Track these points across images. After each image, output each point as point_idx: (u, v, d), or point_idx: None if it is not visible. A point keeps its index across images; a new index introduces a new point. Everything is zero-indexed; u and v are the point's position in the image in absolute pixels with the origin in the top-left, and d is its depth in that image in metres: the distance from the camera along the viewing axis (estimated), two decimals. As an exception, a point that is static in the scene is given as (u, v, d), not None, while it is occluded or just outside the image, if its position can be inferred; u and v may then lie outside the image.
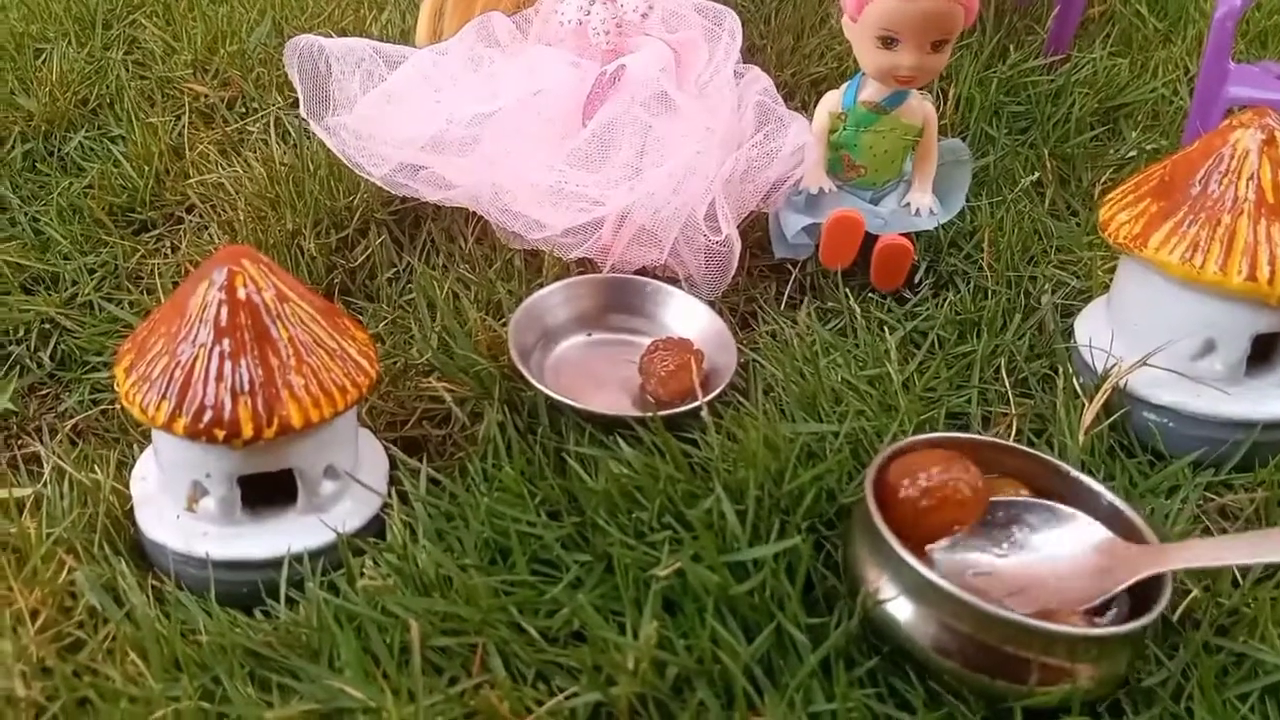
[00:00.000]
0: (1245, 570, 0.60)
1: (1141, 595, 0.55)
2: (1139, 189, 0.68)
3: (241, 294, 0.58)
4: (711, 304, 0.77)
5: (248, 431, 0.57)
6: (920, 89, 0.82)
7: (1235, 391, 0.66)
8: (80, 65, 1.06)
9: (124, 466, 0.67)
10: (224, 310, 0.58)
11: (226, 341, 0.57)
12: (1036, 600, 0.55)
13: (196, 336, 0.58)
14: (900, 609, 0.53)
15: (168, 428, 0.57)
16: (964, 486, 0.56)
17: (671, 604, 0.56)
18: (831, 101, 0.82)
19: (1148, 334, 0.67)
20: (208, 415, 0.57)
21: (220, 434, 0.57)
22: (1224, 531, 0.63)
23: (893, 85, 0.79)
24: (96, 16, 1.13)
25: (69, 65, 1.06)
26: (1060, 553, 0.58)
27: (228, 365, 0.57)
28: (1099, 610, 0.55)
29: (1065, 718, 0.51)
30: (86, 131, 1.00)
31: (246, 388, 0.57)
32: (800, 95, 0.99)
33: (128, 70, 1.07)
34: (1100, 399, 0.66)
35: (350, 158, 0.81)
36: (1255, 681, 0.55)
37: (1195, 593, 0.58)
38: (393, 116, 0.83)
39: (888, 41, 0.76)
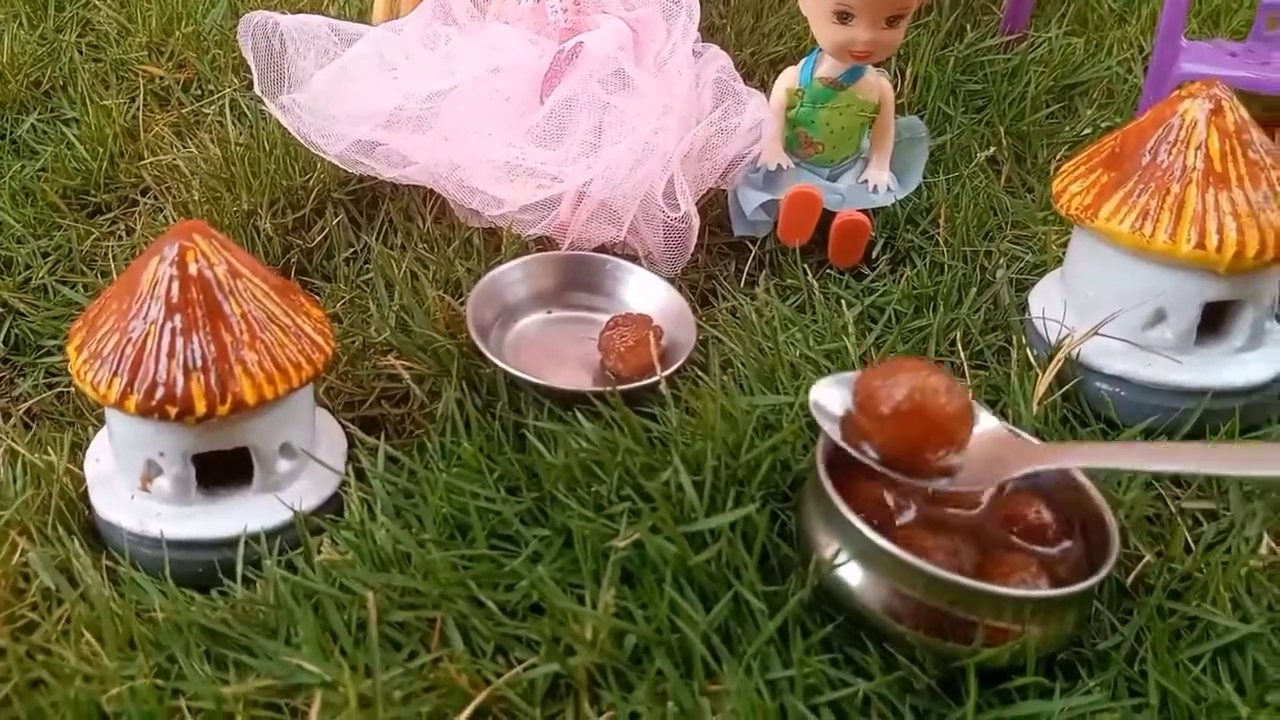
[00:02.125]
0: (1198, 535, 0.61)
1: (1096, 551, 0.56)
2: (1091, 160, 0.69)
3: (193, 269, 0.57)
4: (671, 281, 0.77)
5: (201, 408, 0.56)
6: (877, 65, 0.82)
7: (1186, 360, 0.67)
8: (32, 47, 1.05)
9: (78, 448, 0.67)
10: (175, 286, 0.57)
11: (178, 317, 0.57)
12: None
13: (148, 313, 0.57)
14: (851, 574, 0.53)
15: (120, 405, 0.57)
16: (954, 396, 0.53)
17: (630, 575, 0.56)
18: (789, 78, 0.82)
19: (1099, 304, 0.67)
20: (160, 392, 0.56)
21: (173, 411, 0.56)
22: (1178, 499, 0.64)
23: (849, 60, 0.79)
24: (49, -2, 1.12)
25: (20, 47, 1.04)
26: None
27: (179, 341, 0.57)
28: (1053, 542, 0.56)
29: (1019, 678, 0.52)
30: (39, 114, 0.99)
31: (199, 364, 0.57)
32: (760, 74, 0.99)
33: (81, 52, 1.06)
34: (1053, 369, 0.67)
35: (305, 136, 0.81)
36: (1207, 644, 0.55)
37: (1148, 558, 0.59)
38: (348, 93, 0.82)
39: (843, 16, 0.76)
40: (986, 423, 0.57)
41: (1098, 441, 0.61)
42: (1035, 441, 0.58)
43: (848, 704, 0.52)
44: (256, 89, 0.84)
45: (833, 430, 0.55)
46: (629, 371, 0.70)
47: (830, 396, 0.57)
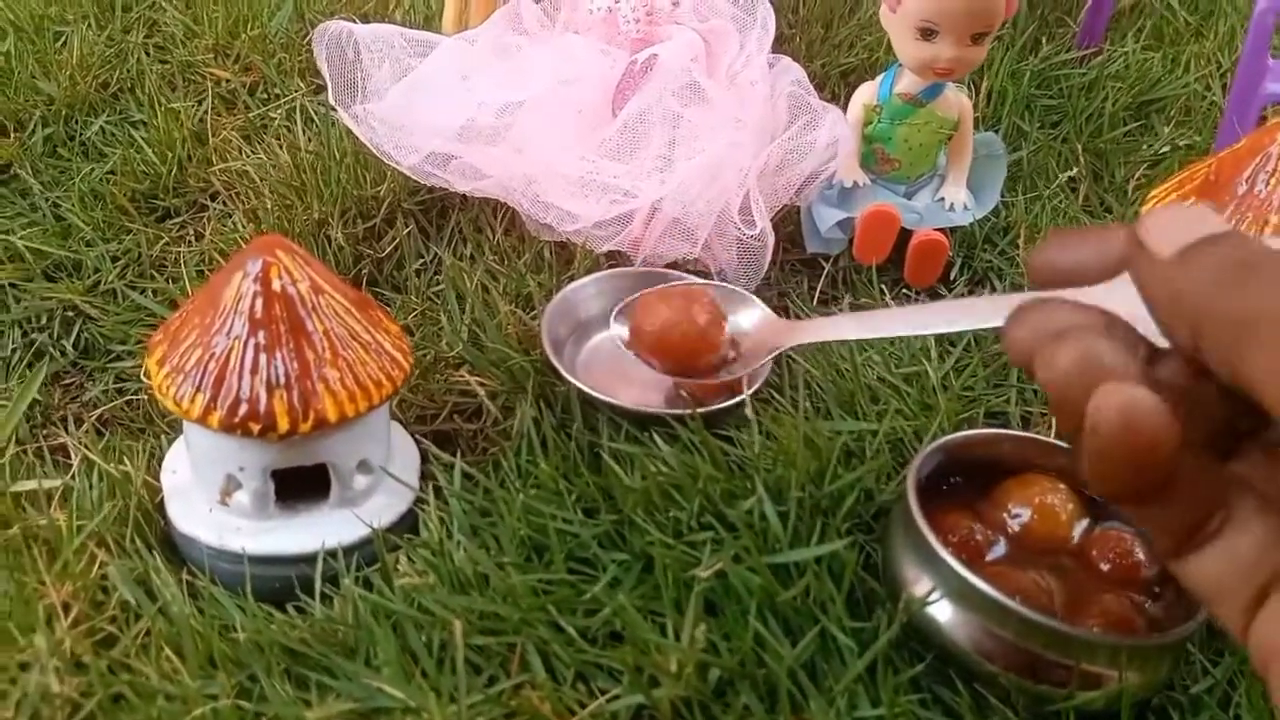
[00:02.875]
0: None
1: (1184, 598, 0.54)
2: (1183, 187, 0.67)
3: (276, 285, 0.57)
4: (745, 299, 0.76)
5: (283, 425, 0.56)
6: (956, 81, 0.80)
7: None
8: (100, 49, 1.05)
9: (153, 458, 0.67)
10: (259, 302, 0.57)
11: (261, 334, 0.57)
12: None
13: (231, 328, 0.57)
14: (941, 611, 0.52)
15: (202, 421, 0.56)
16: (699, 318, 0.62)
17: (712, 605, 0.55)
18: (867, 93, 0.81)
19: (1191, 334, 0.66)
20: (243, 409, 0.56)
21: (255, 428, 0.56)
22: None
23: (931, 78, 0.78)
24: (116, -1, 1.12)
25: (89, 49, 1.04)
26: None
27: (263, 358, 0.56)
28: (1151, 593, 0.55)
29: (1113, 724, 0.51)
30: (108, 116, 0.99)
31: (282, 381, 0.56)
32: (830, 86, 0.98)
33: (148, 54, 1.06)
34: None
35: (379, 147, 0.80)
36: (1301, 688, 0.54)
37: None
38: (422, 105, 0.81)
39: (927, 33, 0.75)
40: (753, 313, 0.62)
41: (840, 315, 0.66)
42: (783, 322, 0.61)
43: (939, 746, 0.51)
44: (331, 99, 0.84)
45: (626, 349, 0.64)
46: (702, 391, 0.69)
47: (620, 328, 0.65)
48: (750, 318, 0.62)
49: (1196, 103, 1.00)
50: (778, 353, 0.59)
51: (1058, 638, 0.50)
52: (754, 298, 0.63)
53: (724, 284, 0.63)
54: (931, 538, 0.53)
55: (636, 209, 0.77)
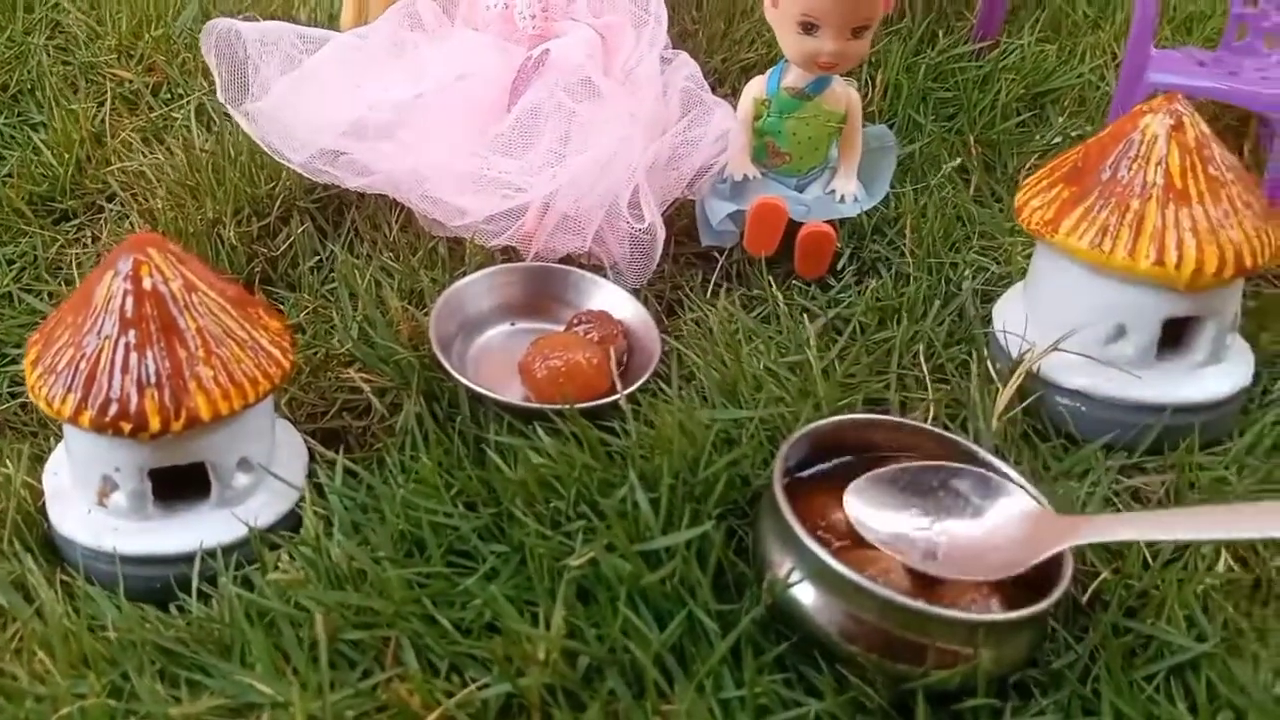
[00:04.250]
0: (1155, 551, 0.61)
1: (1047, 575, 0.55)
2: (1052, 174, 0.69)
3: (147, 284, 0.57)
4: (636, 292, 0.77)
5: (155, 424, 0.56)
6: (846, 74, 0.82)
7: (1146, 375, 0.67)
8: (0, 50, 1.04)
9: (38, 460, 0.66)
10: (129, 301, 0.57)
11: (132, 333, 0.57)
12: (960, 566, 0.55)
13: (102, 328, 0.57)
14: (804, 594, 0.53)
15: (74, 420, 0.56)
16: (583, 363, 0.67)
17: (585, 593, 0.56)
18: (756, 88, 0.82)
19: (1061, 319, 0.67)
20: (113, 408, 0.56)
21: (127, 427, 0.56)
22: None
23: (815, 71, 0.79)
24: None
25: (-12, 50, 1.03)
26: (987, 520, 0.58)
27: (133, 357, 0.56)
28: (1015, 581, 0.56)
29: (970, 700, 0.52)
30: (6, 118, 0.98)
31: (153, 380, 0.56)
32: (731, 81, 0.99)
33: (49, 55, 1.05)
34: (1014, 384, 0.67)
35: (269, 144, 0.80)
36: (1161, 662, 0.55)
37: (1105, 575, 0.59)
38: (311, 101, 0.81)
39: (808, 28, 0.76)
40: (1025, 507, 0.57)
41: (1131, 514, 0.62)
42: (1062, 518, 0.57)
43: (799, 724, 0.52)
44: (220, 97, 0.83)
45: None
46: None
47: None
48: (1021, 512, 0.57)
49: (1090, 93, 1.02)
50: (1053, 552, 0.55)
51: (914, 617, 0.51)
52: (1023, 489, 0.58)
53: (976, 469, 0.59)
54: (793, 520, 0.54)
55: (528, 204, 0.78)
